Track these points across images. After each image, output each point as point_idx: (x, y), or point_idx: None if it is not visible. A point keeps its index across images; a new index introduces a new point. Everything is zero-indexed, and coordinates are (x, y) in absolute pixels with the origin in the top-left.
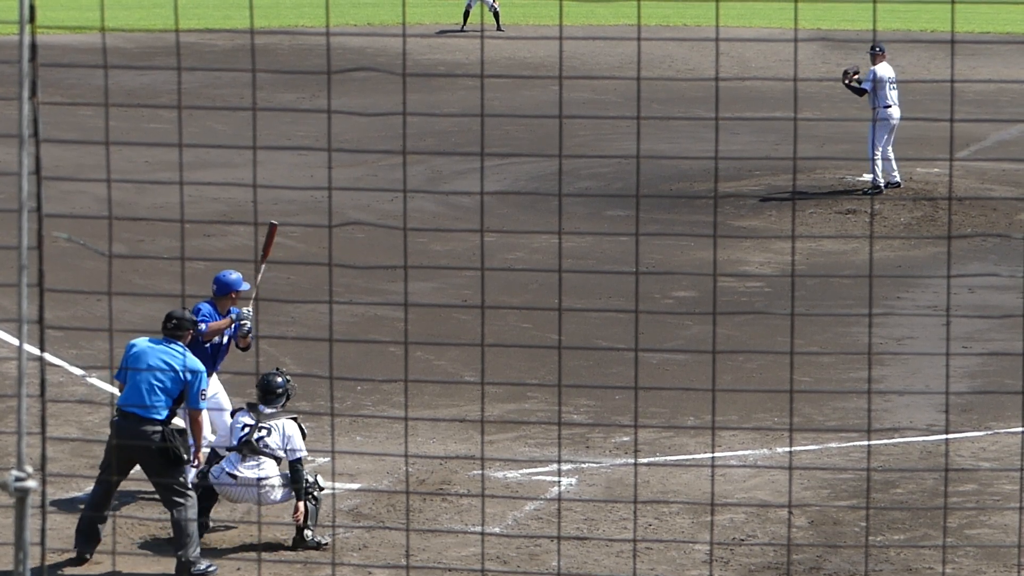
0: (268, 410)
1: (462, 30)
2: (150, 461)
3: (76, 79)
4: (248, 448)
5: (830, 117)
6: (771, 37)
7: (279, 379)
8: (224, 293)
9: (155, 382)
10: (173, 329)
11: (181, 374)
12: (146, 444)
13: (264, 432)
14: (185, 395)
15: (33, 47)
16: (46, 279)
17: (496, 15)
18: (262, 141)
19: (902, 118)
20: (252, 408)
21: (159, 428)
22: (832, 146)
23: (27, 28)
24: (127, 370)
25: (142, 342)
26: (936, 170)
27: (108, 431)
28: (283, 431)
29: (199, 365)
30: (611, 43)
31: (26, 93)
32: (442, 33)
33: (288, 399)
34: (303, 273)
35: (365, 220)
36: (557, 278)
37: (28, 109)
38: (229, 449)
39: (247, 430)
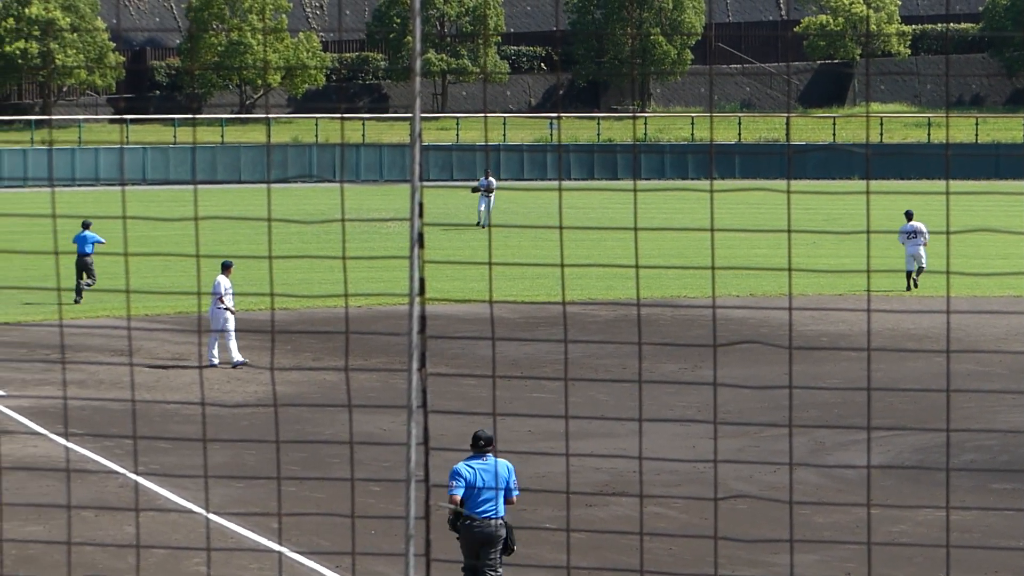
0: None
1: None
2: (493, 549)
3: (459, 349)
4: None
5: None
6: None
7: None
8: None
9: (495, 490)
10: (484, 446)
11: (506, 479)
12: (496, 538)
13: None
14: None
15: (422, 319)
16: (432, 549)
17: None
18: (645, 412)
19: None
20: None
21: (503, 523)
22: None
23: (416, 300)
24: (465, 487)
25: (466, 465)
26: None
27: None
28: None
29: (509, 464)
30: (996, 315)
31: (415, 364)
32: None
33: None
34: (685, 545)
35: (748, 492)
36: (943, 553)
37: (416, 380)
38: None
39: None
